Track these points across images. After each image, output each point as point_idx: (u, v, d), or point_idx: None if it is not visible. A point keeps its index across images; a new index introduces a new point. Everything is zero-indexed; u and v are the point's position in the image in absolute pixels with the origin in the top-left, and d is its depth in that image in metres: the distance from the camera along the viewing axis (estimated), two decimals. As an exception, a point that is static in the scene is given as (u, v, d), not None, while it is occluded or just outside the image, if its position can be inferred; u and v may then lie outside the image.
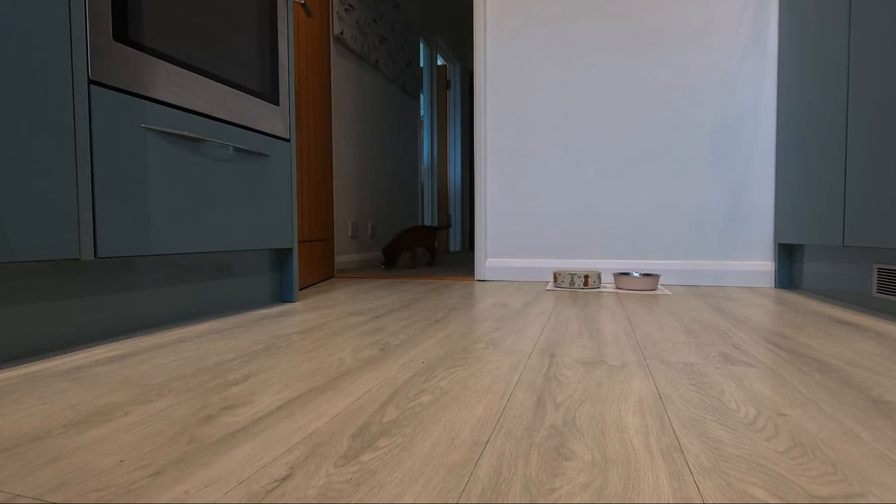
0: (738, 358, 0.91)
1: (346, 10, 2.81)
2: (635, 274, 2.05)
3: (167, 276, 1.25)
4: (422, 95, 4.63)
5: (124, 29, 1.04)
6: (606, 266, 2.24)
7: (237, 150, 1.37)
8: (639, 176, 2.21)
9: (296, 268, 1.65)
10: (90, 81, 0.97)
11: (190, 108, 1.21)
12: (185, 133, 1.19)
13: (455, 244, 5.28)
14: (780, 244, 2.04)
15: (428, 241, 3.01)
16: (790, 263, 2.05)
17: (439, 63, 5.04)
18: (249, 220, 1.42)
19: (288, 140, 1.60)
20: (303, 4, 1.80)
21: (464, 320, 1.30)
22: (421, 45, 4.54)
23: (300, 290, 1.99)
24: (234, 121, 1.36)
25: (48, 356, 0.93)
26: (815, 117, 1.69)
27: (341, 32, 2.76)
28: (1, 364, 0.87)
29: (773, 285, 2.07)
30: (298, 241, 1.88)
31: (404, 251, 2.89)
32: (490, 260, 2.38)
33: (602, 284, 2.13)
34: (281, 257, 1.67)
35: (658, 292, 1.89)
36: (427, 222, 4.82)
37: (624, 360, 0.89)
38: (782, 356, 0.92)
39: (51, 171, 0.89)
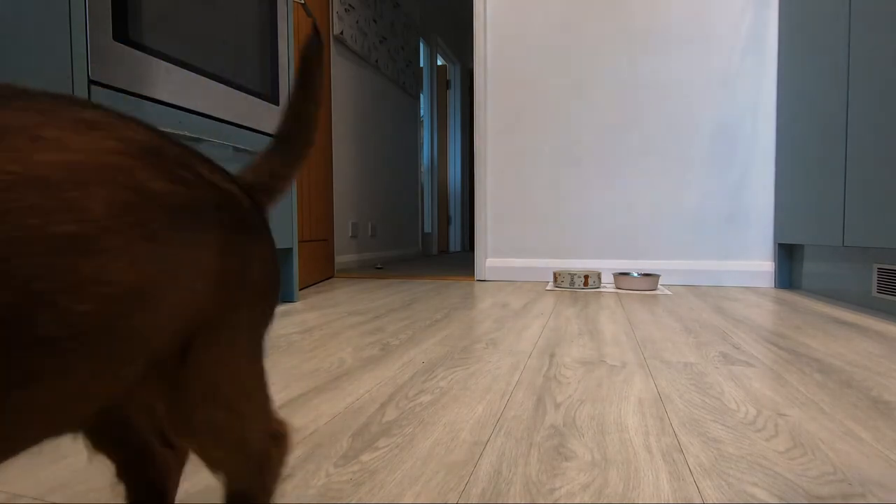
0: (738, 358, 0.91)
1: (346, 10, 2.81)
2: (635, 274, 2.05)
3: (167, 276, 1.24)
4: (422, 95, 4.63)
5: (124, 29, 1.04)
6: (606, 266, 2.24)
7: (237, 149, 1.37)
8: (639, 175, 2.21)
9: (296, 268, 1.65)
10: (90, 82, 0.97)
11: (190, 107, 1.21)
12: (185, 133, 1.19)
13: (455, 244, 5.28)
14: (779, 244, 2.04)
15: None
16: (790, 263, 2.05)
17: (439, 63, 5.04)
18: (249, 220, 1.42)
19: (288, 140, 1.60)
20: (303, 4, 1.80)
21: (464, 320, 1.30)
22: (421, 45, 4.54)
23: (300, 290, 1.99)
24: (233, 120, 1.36)
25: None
26: (815, 117, 1.69)
27: (341, 32, 2.76)
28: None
29: (773, 285, 2.07)
30: (298, 241, 1.88)
31: None
32: (490, 260, 2.37)
33: (602, 284, 2.13)
34: (281, 257, 1.67)
35: (658, 292, 1.89)
36: (427, 222, 4.80)
37: (624, 360, 0.90)
38: (782, 356, 0.92)
39: (51, 171, 0.89)
